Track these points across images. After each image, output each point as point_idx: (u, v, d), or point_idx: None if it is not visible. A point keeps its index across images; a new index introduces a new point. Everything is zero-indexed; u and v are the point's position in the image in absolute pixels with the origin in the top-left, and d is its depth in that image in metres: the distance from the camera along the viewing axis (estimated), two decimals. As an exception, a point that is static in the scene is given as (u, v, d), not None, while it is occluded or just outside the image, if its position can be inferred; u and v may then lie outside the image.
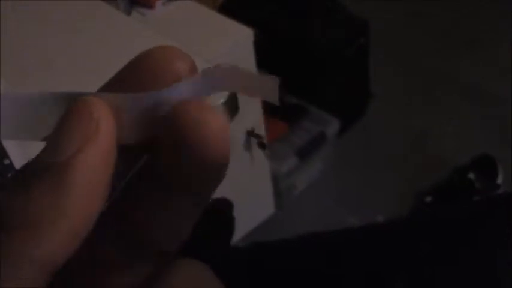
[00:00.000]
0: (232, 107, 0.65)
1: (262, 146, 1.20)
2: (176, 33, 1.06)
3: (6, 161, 0.52)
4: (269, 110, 1.24)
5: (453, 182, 1.35)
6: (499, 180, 1.35)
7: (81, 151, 0.13)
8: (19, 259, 0.13)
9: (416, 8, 2.02)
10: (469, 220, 0.48)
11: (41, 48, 0.74)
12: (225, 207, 0.83)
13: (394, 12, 1.99)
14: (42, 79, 0.67)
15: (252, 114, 1.18)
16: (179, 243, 0.17)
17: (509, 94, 1.55)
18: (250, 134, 1.19)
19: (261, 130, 1.21)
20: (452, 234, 0.47)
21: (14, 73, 0.67)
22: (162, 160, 0.15)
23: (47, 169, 0.13)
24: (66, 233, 0.13)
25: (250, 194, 1.25)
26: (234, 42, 1.06)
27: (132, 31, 0.81)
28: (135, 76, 0.16)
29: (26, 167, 0.14)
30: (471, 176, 1.34)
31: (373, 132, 1.59)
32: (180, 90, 0.15)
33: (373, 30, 1.53)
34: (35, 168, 0.13)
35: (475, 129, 1.55)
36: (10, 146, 0.53)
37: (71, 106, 0.14)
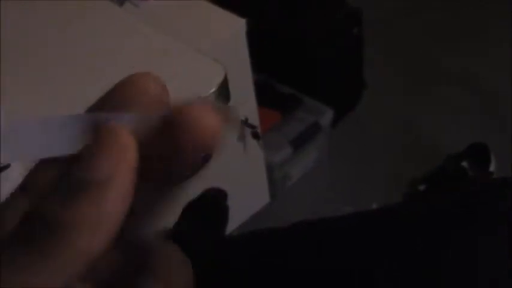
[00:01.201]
0: (222, 95, 0.66)
1: (256, 136, 1.20)
2: (169, 24, 1.06)
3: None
4: (263, 100, 1.24)
5: (446, 170, 1.36)
6: (492, 168, 1.36)
7: (116, 171, 0.17)
8: (64, 255, 0.17)
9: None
10: (463, 211, 0.48)
11: (33, 40, 0.74)
12: (219, 197, 0.83)
13: (391, 3, 1.99)
14: (36, 73, 0.67)
15: (245, 104, 1.19)
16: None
17: (505, 84, 1.56)
18: (244, 123, 1.19)
19: (255, 120, 1.21)
20: (446, 227, 0.47)
21: (6, 65, 0.67)
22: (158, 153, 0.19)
23: (88, 185, 0.17)
24: (103, 236, 0.17)
25: (244, 184, 1.26)
26: (227, 33, 1.06)
27: (124, 23, 0.80)
28: (119, 99, 0.19)
29: (66, 180, 0.17)
30: (464, 164, 1.35)
31: (368, 122, 1.59)
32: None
33: (370, 20, 1.53)
34: (77, 183, 0.17)
35: (470, 120, 1.56)
36: None
37: (100, 134, 0.18)
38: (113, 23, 0.78)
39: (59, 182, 0.17)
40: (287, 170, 1.40)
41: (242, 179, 1.25)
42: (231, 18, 1.08)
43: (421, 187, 1.36)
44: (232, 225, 1.19)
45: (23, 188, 0.19)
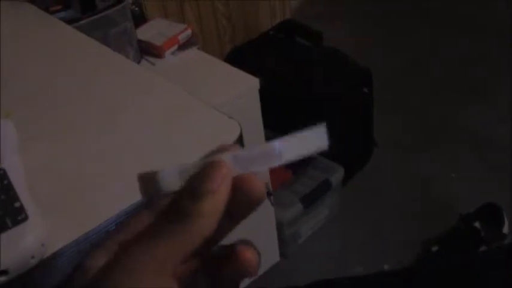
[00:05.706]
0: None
1: (267, 193, 1.20)
2: (184, 81, 1.08)
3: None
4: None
5: (459, 231, 1.34)
6: (505, 230, 1.34)
7: (222, 185, 0.28)
8: (190, 232, 0.27)
9: (417, 57, 2.06)
10: (481, 269, 0.47)
11: (52, 93, 0.76)
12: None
13: (399, 63, 2.03)
14: (56, 125, 0.69)
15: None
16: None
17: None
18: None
19: (266, 177, 1.21)
20: (464, 282, 0.47)
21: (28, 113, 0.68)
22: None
23: (206, 193, 0.27)
24: (212, 222, 0.27)
25: (254, 241, 1.24)
26: (240, 91, 1.08)
27: (142, 79, 0.82)
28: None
29: (194, 188, 0.28)
30: (477, 224, 1.33)
31: (378, 180, 1.59)
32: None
33: (378, 79, 1.56)
34: (198, 191, 0.27)
35: (481, 176, 1.55)
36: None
37: (212, 163, 0.28)
38: (131, 79, 0.80)
39: (189, 187, 0.28)
40: (297, 227, 1.39)
41: (252, 236, 1.23)
42: (245, 77, 1.11)
43: (434, 248, 1.33)
44: (242, 284, 1.17)
45: (146, 206, 0.29)
